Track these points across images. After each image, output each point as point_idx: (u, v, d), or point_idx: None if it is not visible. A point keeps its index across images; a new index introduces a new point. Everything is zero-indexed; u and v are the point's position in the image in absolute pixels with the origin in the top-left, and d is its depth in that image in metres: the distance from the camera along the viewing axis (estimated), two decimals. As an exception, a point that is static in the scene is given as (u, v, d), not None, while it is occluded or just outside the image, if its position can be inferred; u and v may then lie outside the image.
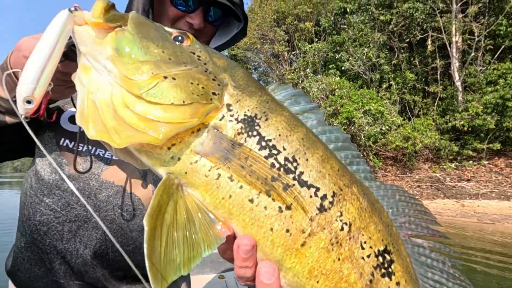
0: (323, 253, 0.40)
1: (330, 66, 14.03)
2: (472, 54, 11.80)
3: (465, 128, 11.13)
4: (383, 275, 0.42)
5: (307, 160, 0.41)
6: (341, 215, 0.41)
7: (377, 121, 10.54)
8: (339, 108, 10.78)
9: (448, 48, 12.33)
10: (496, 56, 11.92)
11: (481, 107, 10.37)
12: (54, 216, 0.69)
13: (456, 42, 12.54)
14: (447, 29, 12.50)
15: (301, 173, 0.40)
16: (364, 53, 12.79)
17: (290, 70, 16.59)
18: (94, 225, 0.68)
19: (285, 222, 0.39)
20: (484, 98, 10.41)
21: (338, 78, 12.63)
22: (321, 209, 0.40)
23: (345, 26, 14.04)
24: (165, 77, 0.38)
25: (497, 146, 10.70)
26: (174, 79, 0.38)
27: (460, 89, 12.04)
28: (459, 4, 12.17)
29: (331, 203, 0.41)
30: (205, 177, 0.38)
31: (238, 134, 0.39)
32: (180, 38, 0.44)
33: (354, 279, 0.41)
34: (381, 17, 12.44)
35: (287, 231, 0.39)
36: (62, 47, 0.40)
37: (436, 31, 12.94)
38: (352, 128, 10.60)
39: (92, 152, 0.70)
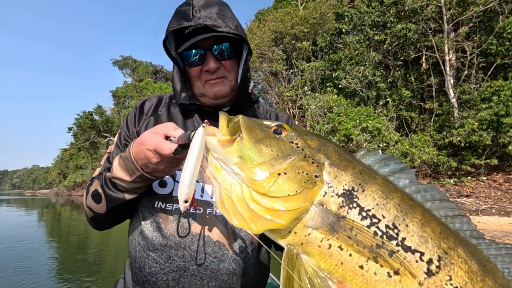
0: None
1: (327, 84, 14.34)
2: (466, 72, 12.11)
3: (462, 144, 11.25)
4: None
5: (407, 226, 0.44)
6: (451, 279, 0.42)
7: (374, 138, 10.68)
8: (337, 125, 10.95)
9: (442, 66, 12.66)
10: (489, 73, 12.24)
11: (477, 123, 10.54)
12: (160, 268, 0.80)
13: (450, 60, 12.89)
14: (440, 48, 12.88)
15: (404, 239, 0.43)
16: (360, 71, 13.11)
17: (289, 88, 16.93)
18: (192, 273, 0.79)
19: (395, 286, 0.42)
20: (479, 115, 10.60)
21: (336, 95, 12.89)
22: (429, 273, 0.42)
23: (341, 46, 14.47)
24: (279, 174, 0.47)
25: (495, 161, 10.80)
26: (285, 173, 0.47)
27: (456, 106, 12.27)
28: (451, 24, 12.61)
29: (438, 267, 0.42)
30: (318, 247, 0.45)
31: (341, 207, 0.46)
32: (278, 130, 0.54)
33: None
34: (376, 37, 12.85)
35: None
36: (201, 156, 0.52)
37: (429, 50, 13.33)
38: (351, 145, 10.73)
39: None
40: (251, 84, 0.99)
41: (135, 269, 0.84)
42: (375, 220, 0.44)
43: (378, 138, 10.79)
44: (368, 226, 0.44)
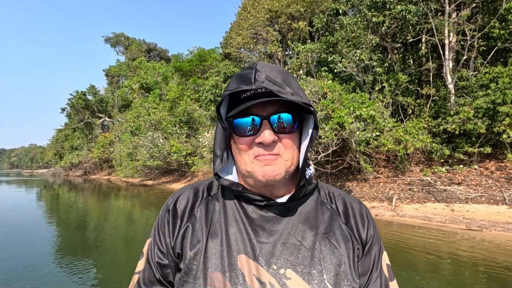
0: None
1: (322, 69, 13.89)
2: (465, 56, 11.71)
3: (457, 132, 11.11)
4: None
5: None
6: None
7: (367, 126, 10.49)
8: (330, 113, 10.71)
9: (441, 50, 12.22)
10: (488, 58, 11.84)
11: (472, 112, 10.33)
12: None
13: (450, 42, 12.41)
14: (440, 30, 12.37)
15: None
16: (356, 55, 12.66)
17: (284, 70, 16.42)
18: None
19: None
20: (475, 103, 10.36)
21: (330, 81, 12.51)
22: None
23: (338, 27, 13.85)
24: None
25: (488, 150, 10.71)
26: None
27: (453, 92, 11.98)
28: (453, 5, 12.01)
29: None
30: None
31: None
32: None
33: None
34: (374, 19, 12.27)
35: None
36: None
37: (429, 33, 12.81)
38: (343, 133, 10.55)
39: None
40: (312, 168, 0.79)
41: None
42: None
43: (371, 126, 10.61)
44: None
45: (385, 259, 0.80)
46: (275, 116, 0.69)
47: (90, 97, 43.71)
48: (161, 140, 22.29)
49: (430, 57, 13.15)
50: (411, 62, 14.34)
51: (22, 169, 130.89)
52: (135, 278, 0.79)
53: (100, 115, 43.99)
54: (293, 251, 0.71)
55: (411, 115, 13.65)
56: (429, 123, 12.52)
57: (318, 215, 0.78)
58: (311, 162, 0.80)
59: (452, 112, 11.37)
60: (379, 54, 13.10)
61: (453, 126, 11.01)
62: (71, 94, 43.45)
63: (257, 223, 0.73)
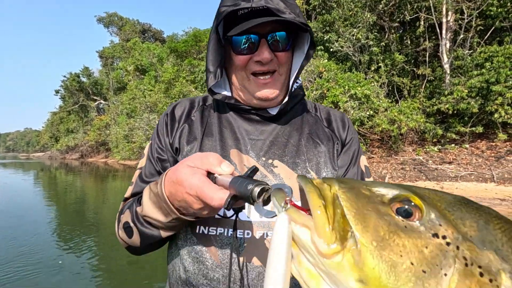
0: None
1: (318, 48, 13.75)
2: (461, 36, 11.62)
3: (450, 112, 11.21)
4: None
5: None
6: None
7: (362, 105, 10.54)
8: (325, 91, 10.72)
9: (438, 30, 12.10)
10: (486, 37, 11.76)
11: (466, 91, 10.38)
12: None
13: (448, 21, 12.28)
14: (438, 9, 12.20)
15: None
16: (353, 34, 12.50)
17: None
18: None
19: None
20: (469, 82, 10.40)
21: (326, 60, 12.42)
22: None
23: (335, 5, 13.59)
24: None
25: (480, 129, 10.86)
26: None
27: (448, 72, 11.98)
28: (452, -18, 11.77)
29: None
30: None
31: None
32: (405, 210, 0.32)
33: None
34: (372, -4, 12.05)
35: None
36: (290, 253, 0.35)
37: (427, 11, 12.63)
38: (338, 112, 10.61)
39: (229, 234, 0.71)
40: (299, 81, 0.85)
41: None
42: None
43: (366, 105, 10.65)
44: None
45: (363, 160, 0.89)
46: (273, 35, 0.73)
47: (84, 79, 42.97)
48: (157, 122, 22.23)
49: (427, 37, 13.03)
50: (409, 42, 14.21)
51: (18, 152, 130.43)
52: (137, 173, 0.86)
53: (95, 97, 43.46)
54: (280, 146, 0.80)
55: (407, 96, 13.68)
56: (424, 103, 12.58)
57: (304, 120, 0.87)
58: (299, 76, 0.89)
59: (446, 92, 11.42)
60: (375, 33, 12.96)
61: (447, 105, 11.09)
62: (64, 76, 42.68)
63: (249, 125, 0.82)
